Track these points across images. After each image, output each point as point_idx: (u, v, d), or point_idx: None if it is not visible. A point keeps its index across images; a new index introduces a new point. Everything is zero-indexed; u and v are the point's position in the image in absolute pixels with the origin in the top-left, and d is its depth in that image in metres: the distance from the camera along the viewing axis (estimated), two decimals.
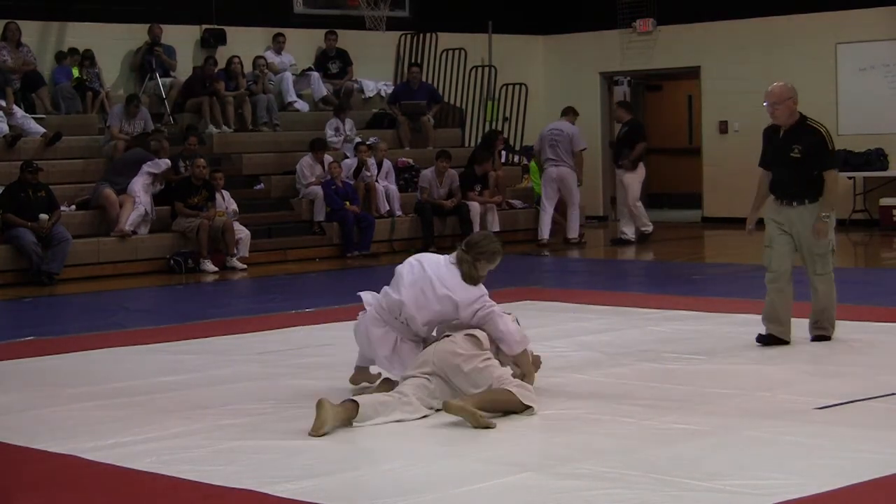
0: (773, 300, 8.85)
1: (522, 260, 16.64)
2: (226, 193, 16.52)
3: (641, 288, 13.44)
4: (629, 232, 18.31)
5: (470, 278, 7.30)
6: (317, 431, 6.52)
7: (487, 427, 6.59)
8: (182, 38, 19.05)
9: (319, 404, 6.60)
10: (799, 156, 8.72)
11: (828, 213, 8.75)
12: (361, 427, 6.70)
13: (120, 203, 15.72)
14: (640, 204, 18.44)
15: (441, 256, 7.50)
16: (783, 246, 8.85)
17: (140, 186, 15.94)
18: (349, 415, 6.68)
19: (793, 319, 8.95)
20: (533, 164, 19.56)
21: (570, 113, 18.57)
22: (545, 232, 18.15)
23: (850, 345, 8.88)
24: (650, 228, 18.39)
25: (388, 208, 17.90)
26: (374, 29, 20.11)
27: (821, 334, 8.96)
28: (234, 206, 16.49)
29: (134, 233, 15.67)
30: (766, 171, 9.03)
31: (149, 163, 16.12)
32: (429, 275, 7.31)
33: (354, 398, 6.82)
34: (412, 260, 7.49)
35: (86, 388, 8.03)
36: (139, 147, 16.37)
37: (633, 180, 18.39)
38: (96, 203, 15.88)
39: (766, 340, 8.83)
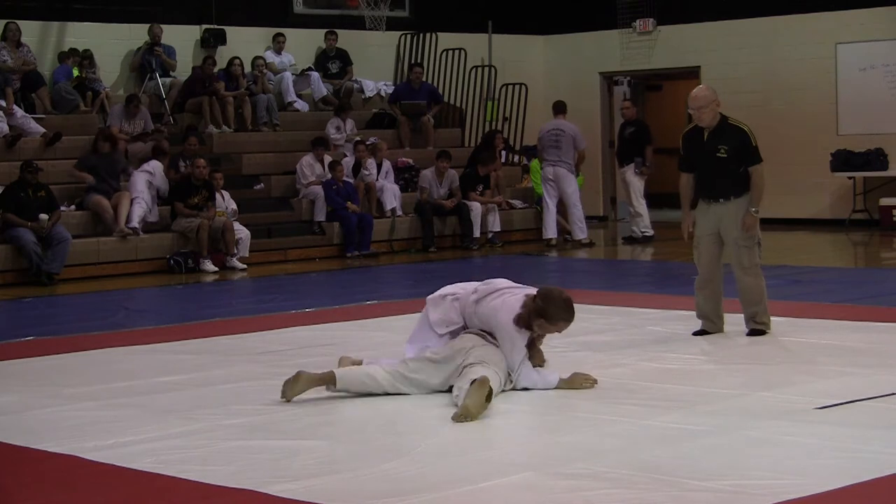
0: (700, 303, 9.36)
1: (523, 260, 16.65)
2: (226, 193, 16.53)
3: (641, 288, 13.44)
4: (638, 230, 18.37)
5: (521, 319, 7.41)
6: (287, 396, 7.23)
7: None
8: (182, 38, 19.06)
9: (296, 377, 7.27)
10: (725, 155, 9.11)
11: (756, 207, 9.13)
12: (361, 426, 6.72)
13: (114, 204, 15.70)
14: (643, 202, 18.40)
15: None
16: (711, 245, 9.28)
17: (143, 183, 16.02)
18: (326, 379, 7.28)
19: (790, 319, 8.98)
20: (534, 163, 19.56)
21: (564, 110, 18.29)
22: (551, 231, 18.10)
23: (850, 345, 8.88)
24: (650, 232, 18.36)
25: (393, 205, 17.92)
26: (374, 29, 20.13)
27: (758, 328, 9.21)
28: (233, 205, 16.50)
29: (135, 232, 15.66)
30: (687, 174, 9.43)
31: (147, 165, 16.22)
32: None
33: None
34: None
35: (86, 388, 8.03)
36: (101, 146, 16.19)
37: (636, 178, 18.37)
38: (91, 209, 15.86)
39: (700, 334, 9.32)
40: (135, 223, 15.68)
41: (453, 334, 7.67)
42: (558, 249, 17.74)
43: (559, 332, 7.65)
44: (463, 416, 6.71)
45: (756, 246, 9.21)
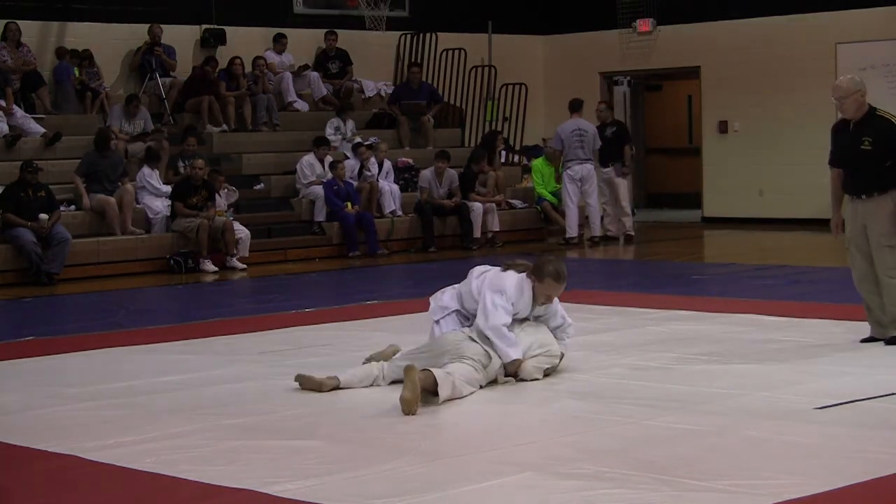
0: (865, 302, 8.77)
1: (522, 260, 16.62)
2: (224, 191, 16.55)
3: (641, 288, 13.43)
4: (614, 229, 18.45)
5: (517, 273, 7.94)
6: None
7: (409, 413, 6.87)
8: (182, 38, 19.06)
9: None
10: (870, 148, 8.57)
11: None
12: (361, 425, 6.73)
13: (118, 202, 15.71)
14: (625, 205, 18.45)
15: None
16: (862, 246, 8.71)
17: (156, 182, 16.15)
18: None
19: (790, 319, 8.94)
20: (535, 163, 19.50)
21: (581, 108, 18.34)
22: (575, 230, 18.22)
23: (850, 345, 8.87)
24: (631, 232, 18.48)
25: (392, 208, 17.93)
26: (374, 29, 20.13)
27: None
28: (235, 196, 16.63)
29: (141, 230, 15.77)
30: (835, 168, 8.90)
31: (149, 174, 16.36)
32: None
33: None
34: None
35: (86, 388, 8.03)
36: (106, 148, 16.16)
37: (620, 179, 18.47)
38: (95, 210, 15.84)
39: (869, 341, 8.74)
40: (153, 217, 16.00)
41: (446, 317, 7.96)
42: (555, 249, 17.73)
43: (549, 294, 7.91)
44: (404, 410, 6.90)
45: None
